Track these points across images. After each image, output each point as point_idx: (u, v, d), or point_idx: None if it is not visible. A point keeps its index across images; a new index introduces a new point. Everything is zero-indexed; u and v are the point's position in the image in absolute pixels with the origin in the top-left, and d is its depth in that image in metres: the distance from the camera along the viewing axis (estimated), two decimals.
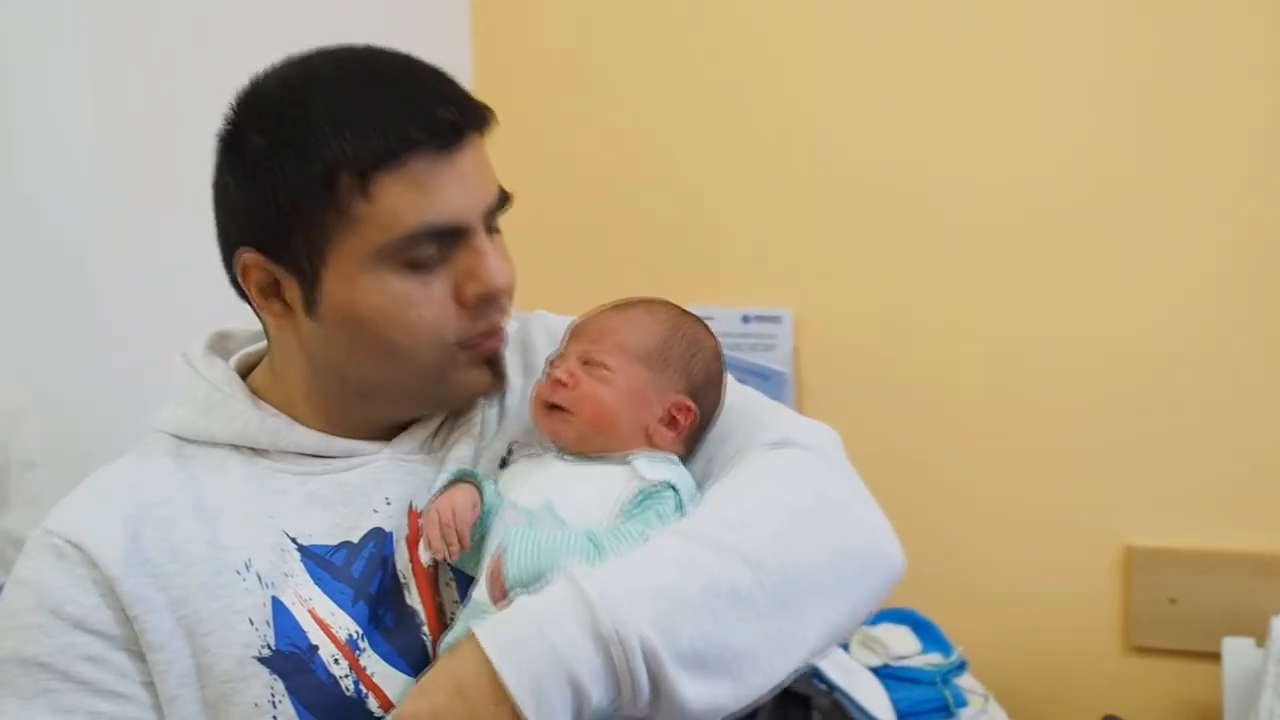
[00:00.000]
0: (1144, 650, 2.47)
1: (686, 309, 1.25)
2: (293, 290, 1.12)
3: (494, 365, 1.18)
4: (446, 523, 1.07)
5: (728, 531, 1.03)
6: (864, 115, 2.55)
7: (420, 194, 1.07)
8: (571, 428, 1.13)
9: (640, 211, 2.67)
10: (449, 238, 1.09)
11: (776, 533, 1.04)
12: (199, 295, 1.83)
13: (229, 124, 1.12)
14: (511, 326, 1.27)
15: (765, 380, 2.51)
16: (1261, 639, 2.24)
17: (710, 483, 1.13)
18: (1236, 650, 2.28)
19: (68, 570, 1.08)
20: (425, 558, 1.11)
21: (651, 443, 1.15)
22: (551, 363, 1.17)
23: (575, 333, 1.20)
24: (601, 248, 2.69)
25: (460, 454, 1.18)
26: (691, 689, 0.96)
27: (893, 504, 1.17)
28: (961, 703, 2.30)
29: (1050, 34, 2.44)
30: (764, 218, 2.61)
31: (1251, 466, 2.39)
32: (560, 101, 2.72)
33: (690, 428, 1.17)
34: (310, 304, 1.11)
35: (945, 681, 2.31)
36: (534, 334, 1.29)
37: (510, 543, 1.06)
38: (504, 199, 1.15)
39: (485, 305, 1.12)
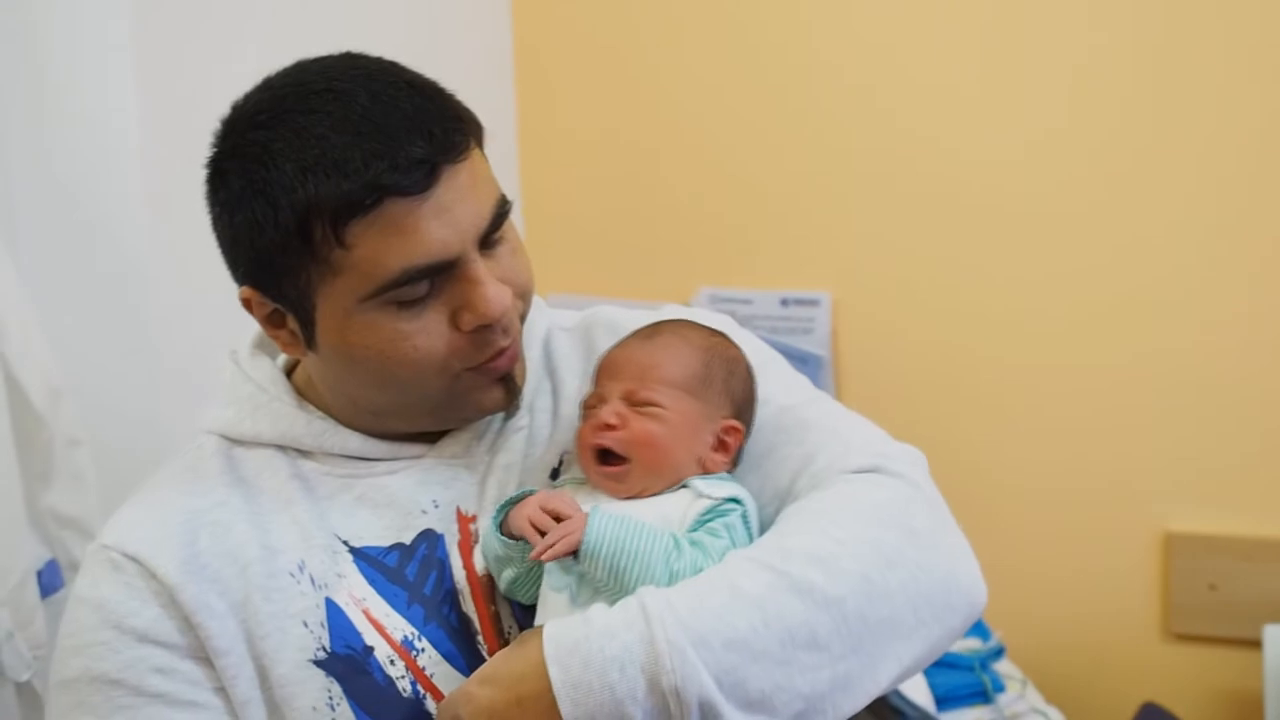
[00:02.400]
0: (1184, 637, 2.45)
1: (699, 320, 1.22)
2: (293, 323, 1.10)
3: (506, 382, 1.13)
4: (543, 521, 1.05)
5: (812, 568, 1.00)
6: (904, 98, 2.53)
7: (399, 237, 1.02)
8: (629, 484, 1.10)
9: (679, 195, 2.66)
10: (438, 272, 1.05)
11: (861, 574, 1.02)
12: (230, 281, 1.85)
13: (211, 153, 1.10)
14: (571, 321, 1.28)
15: (803, 364, 2.51)
16: None
17: (790, 502, 1.11)
18: (1278, 638, 2.27)
19: (126, 583, 1.07)
20: (480, 565, 1.12)
21: (704, 469, 1.13)
22: (589, 405, 1.14)
23: (609, 371, 1.15)
24: (641, 232, 2.69)
25: (507, 460, 1.17)
26: None
27: None
28: (999, 688, 2.30)
29: (1092, 10, 2.41)
30: (803, 201, 2.61)
31: None
32: (600, 84, 2.71)
33: (738, 447, 1.16)
34: (309, 339, 1.10)
35: (983, 666, 2.31)
36: (597, 335, 1.25)
37: (595, 514, 1.04)
38: (501, 212, 1.09)
39: (485, 331, 1.08)
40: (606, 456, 1.10)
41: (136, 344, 1.68)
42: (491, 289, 1.06)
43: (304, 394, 1.19)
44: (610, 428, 1.09)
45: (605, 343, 1.21)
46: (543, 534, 1.03)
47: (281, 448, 1.16)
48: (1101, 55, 2.41)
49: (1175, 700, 2.37)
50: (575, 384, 1.22)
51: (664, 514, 1.08)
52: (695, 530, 1.07)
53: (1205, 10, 2.34)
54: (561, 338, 1.26)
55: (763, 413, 1.19)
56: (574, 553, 1.02)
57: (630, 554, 1.02)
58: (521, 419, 1.19)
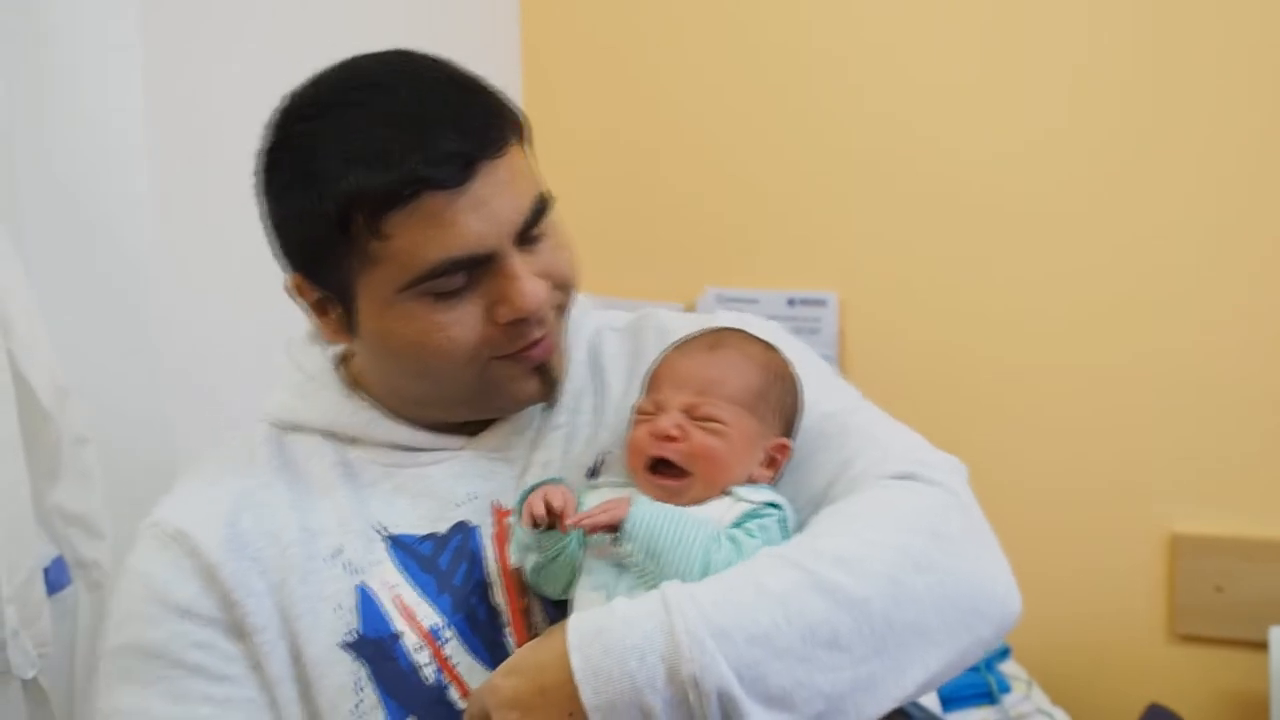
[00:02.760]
0: (1189, 638, 2.45)
1: (752, 330, 1.22)
2: (338, 311, 1.14)
3: (543, 373, 1.16)
4: (542, 500, 1.07)
5: (838, 569, 1.00)
6: (910, 98, 2.53)
7: (436, 229, 1.04)
8: (685, 497, 1.10)
9: (686, 195, 2.66)
10: (475, 265, 1.07)
11: (888, 577, 1.01)
12: (243, 278, 1.85)
13: (263, 143, 1.13)
14: (622, 322, 1.30)
15: None
16: None
17: (826, 506, 1.11)
18: None
19: (171, 560, 1.11)
20: (514, 559, 1.13)
21: (749, 482, 1.13)
22: (645, 412, 1.14)
23: (670, 379, 1.14)
24: (648, 232, 2.69)
25: (546, 457, 1.19)
26: None
27: None
28: (1005, 689, 2.30)
29: (1093, 10, 2.41)
30: (809, 201, 2.61)
31: None
32: (606, 85, 2.72)
33: (784, 463, 1.16)
34: (352, 326, 1.14)
35: (989, 667, 2.31)
36: (647, 339, 1.27)
37: (640, 498, 1.06)
38: (540, 208, 1.11)
39: (519, 324, 1.10)
40: (662, 465, 1.10)
41: (139, 343, 1.68)
42: (527, 284, 1.08)
43: (356, 383, 1.22)
44: (671, 439, 1.09)
45: (654, 347, 1.22)
46: (543, 517, 1.05)
47: (329, 435, 1.20)
48: (1102, 55, 2.41)
49: (1181, 701, 2.36)
50: (621, 386, 1.23)
51: (708, 517, 1.08)
52: (735, 526, 1.07)
53: (1204, 10, 2.34)
54: (611, 338, 1.28)
55: (804, 419, 1.20)
56: (615, 531, 1.04)
57: (670, 537, 1.03)
58: (562, 416, 1.21)
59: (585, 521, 1.04)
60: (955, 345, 2.53)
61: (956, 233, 2.52)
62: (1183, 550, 2.42)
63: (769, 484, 1.14)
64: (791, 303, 2.58)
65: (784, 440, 1.15)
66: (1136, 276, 2.43)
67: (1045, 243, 2.48)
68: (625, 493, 1.11)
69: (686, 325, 1.25)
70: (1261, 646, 2.29)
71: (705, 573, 1.02)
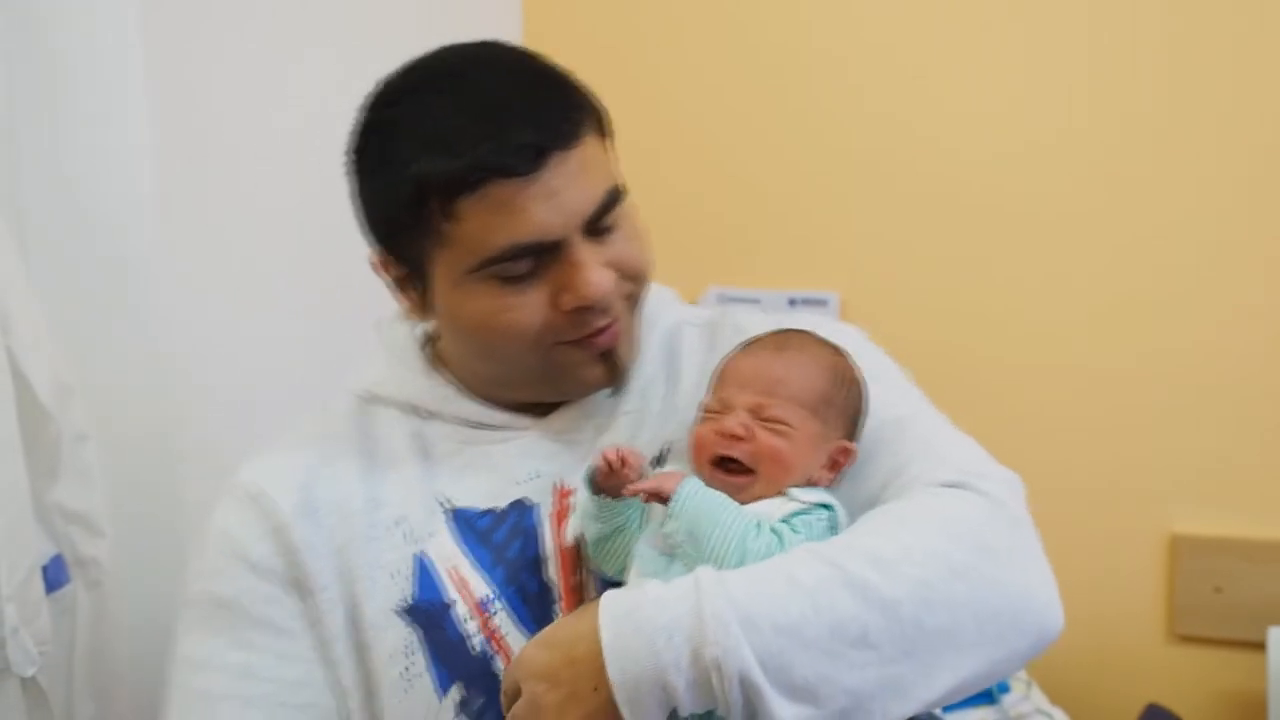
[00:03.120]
0: (1188, 639, 2.45)
1: (823, 332, 1.23)
2: (418, 288, 1.19)
3: (608, 359, 1.18)
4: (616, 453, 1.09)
5: (871, 568, 1.00)
6: (912, 98, 2.53)
7: (504, 216, 1.08)
8: (748, 494, 1.10)
9: (688, 195, 2.66)
10: (542, 252, 1.11)
11: (922, 580, 1.00)
12: (244, 277, 1.85)
13: (354, 126, 1.18)
14: (702, 319, 1.33)
15: None
16: None
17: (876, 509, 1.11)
18: None
19: (247, 518, 1.20)
20: (570, 537, 1.16)
21: (810, 484, 1.14)
22: (711, 410, 1.15)
23: (736, 379, 1.15)
24: (650, 230, 2.67)
25: (612, 441, 1.20)
26: (790, 715, 0.96)
27: None
28: (1004, 688, 2.30)
29: (1095, 9, 2.41)
30: (811, 201, 2.61)
31: None
32: (608, 85, 2.69)
33: (846, 466, 1.17)
34: (427, 304, 1.19)
35: None
36: (723, 336, 1.29)
37: (690, 477, 1.07)
38: (612, 199, 1.14)
39: (583, 311, 1.13)
40: (727, 463, 1.11)
41: (140, 341, 1.68)
42: (593, 273, 1.11)
43: (438, 361, 1.27)
44: (737, 439, 1.10)
45: (729, 344, 1.23)
46: (604, 468, 1.09)
47: (408, 409, 1.25)
48: (1104, 54, 2.41)
49: (1180, 702, 2.37)
50: (693, 379, 1.25)
51: (756, 511, 1.09)
52: (776, 524, 1.08)
53: (1211, 9, 2.34)
54: (690, 333, 1.31)
55: (867, 423, 1.20)
56: (664, 502, 1.06)
57: (711, 521, 1.04)
58: (631, 403, 1.24)
59: (638, 485, 1.07)
60: (956, 346, 2.53)
61: (957, 233, 2.52)
62: (1182, 551, 2.42)
63: (827, 486, 1.15)
64: (793, 303, 2.58)
65: (847, 444, 1.16)
66: (1137, 277, 2.43)
67: (1046, 243, 2.48)
68: None
69: (763, 325, 1.26)
70: (1260, 647, 2.29)
71: (742, 561, 1.03)
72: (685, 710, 0.96)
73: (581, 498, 1.14)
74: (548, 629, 1.06)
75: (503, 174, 1.07)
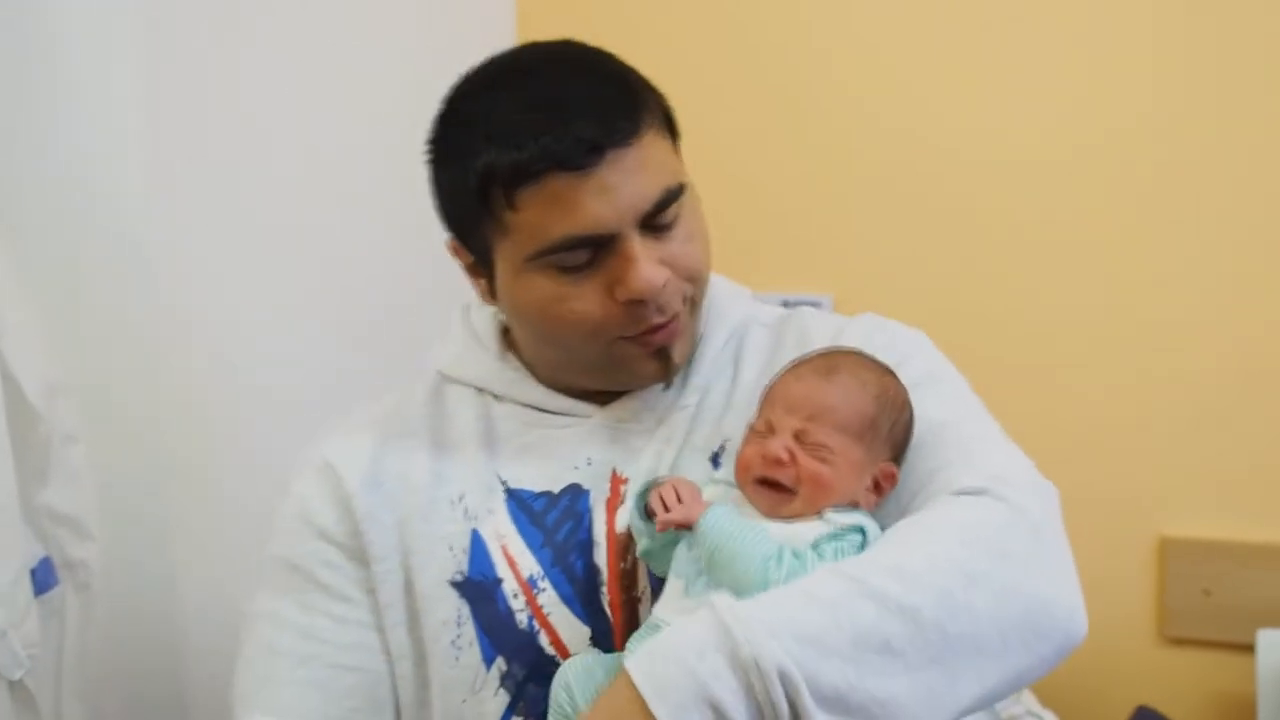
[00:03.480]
0: (1178, 641, 2.46)
1: (870, 356, 1.22)
2: (484, 274, 1.23)
3: (663, 356, 1.21)
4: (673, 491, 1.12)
5: (891, 579, 1.00)
6: (907, 101, 2.53)
7: (560, 208, 1.11)
8: (788, 511, 1.12)
9: None
10: (599, 244, 1.13)
11: (940, 587, 1.00)
12: (237, 277, 1.84)
13: (434, 119, 1.22)
14: (771, 319, 1.36)
15: None
16: None
17: (904, 518, 1.11)
18: (1271, 642, 2.27)
19: (320, 487, 1.27)
20: (621, 524, 1.20)
21: (852, 505, 1.14)
22: (757, 431, 1.16)
23: (783, 403, 1.16)
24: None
25: (669, 433, 1.24)
26: None
27: None
28: None
29: (1095, 16, 2.42)
30: (805, 204, 2.60)
31: None
32: None
33: (889, 489, 1.17)
34: (493, 291, 1.24)
35: None
36: (786, 338, 1.31)
37: (717, 505, 1.09)
38: (669, 198, 1.16)
39: (638, 306, 1.15)
40: (770, 482, 1.12)
41: (131, 342, 1.67)
42: (645, 268, 1.14)
43: (512, 347, 1.32)
44: (780, 463, 1.12)
45: (793, 347, 1.27)
46: (667, 509, 1.11)
47: (480, 391, 1.31)
48: (1099, 57, 2.41)
49: (1169, 704, 2.37)
50: (753, 378, 1.27)
51: (792, 533, 1.09)
52: (811, 547, 1.08)
53: (1197, 13, 2.35)
54: (757, 332, 1.33)
55: (916, 428, 1.20)
56: (690, 530, 1.09)
57: (732, 550, 1.05)
58: (692, 397, 1.27)
59: (662, 518, 1.10)
60: (947, 349, 2.49)
61: (950, 237, 2.52)
62: (1173, 554, 2.43)
63: (871, 508, 1.15)
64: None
65: (891, 468, 1.16)
66: (1126, 282, 2.43)
67: (1037, 248, 2.48)
68: (735, 495, 1.15)
69: (828, 326, 1.31)
70: (1249, 649, 2.30)
71: (764, 588, 1.03)
72: None
73: (633, 517, 1.17)
74: (584, 713, 1.05)
75: (561, 166, 1.10)
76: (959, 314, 2.52)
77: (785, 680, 0.94)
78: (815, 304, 2.53)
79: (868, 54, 2.55)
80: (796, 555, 1.06)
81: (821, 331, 1.30)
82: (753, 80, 2.61)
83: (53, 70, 1.56)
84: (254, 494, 1.87)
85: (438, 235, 1.27)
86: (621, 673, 0.98)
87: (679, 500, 1.11)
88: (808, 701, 0.94)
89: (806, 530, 1.10)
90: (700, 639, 0.96)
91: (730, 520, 1.07)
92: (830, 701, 0.95)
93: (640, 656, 0.98)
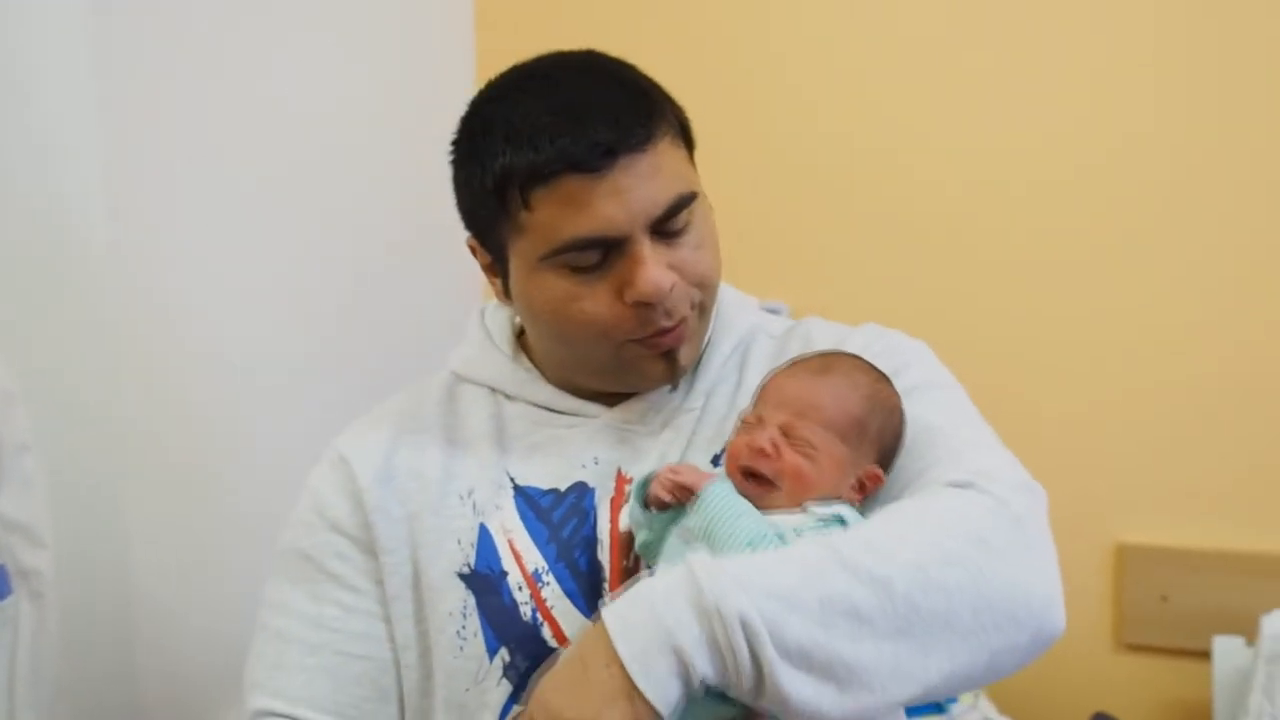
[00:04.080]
0: (1135, 648, 2.48)
1: (867, 361, 1.24)
2: (500, 274, 1.27)
3: (670, 359, 1.24)
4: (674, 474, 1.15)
5: (865, 553, 1.02)
6: (865, 112, 2.55)
7: (572, 210, 1.15)
8: (769, 502, 1.14)
9: None
10: (609, 246, 1.17)
11: (916, 564, 1.02)
12: (197, 277, 1.83)
13: (459, 122, 1.26)
14: (779, 329, 1.38)
15: None
16: (1251, 638, 2.25)
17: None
18: (1227, 649, 2.29)
19: (334, 480, 1.31)
20: (624, 523, 1.22)
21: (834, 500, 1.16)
22: (747, 422, 1.20)
23: (774, 397, 1.20)
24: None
25: (674, 435, 1.28)
26: (794, 682, 0.97)
27: None
28: (952, 699, 2.30)
29: (1057, 34, 2.44)
30: (761, 211, 2.61)
31: (1245, 466, 2.40)
32: None
33: (874, 490, 1.18)
34: (508, 290, 1.27)
35: None
36: (791, 345, 1.34)
37: (722, 480, 1.13)
38: (680, 204, 1.19)
39: (646, 309, 1.18)
40: (754, 473, 1.15)
41: (89, 346, 1.66)
42: (653, 271, 1.17)
43: (525, 348, 1.37)
44: (764, 454, 1.14)
45: (796, 353, 1.29)
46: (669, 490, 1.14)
47: (493, 390, 1.35)
48: (1063, 78, 2.44)
49: (1126, 710, 2.39)
50: (758, 382, 1.28)
51: (775, 524, 1.11)
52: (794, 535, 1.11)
53: (1201, 20, 2.38)
54: (764, 341, 1.36)
55: (909, 431, 1.22)
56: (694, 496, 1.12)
57: (727, 524, 1.09)
58: (698, 400, 1.30)
59: (670, 477, 1.14)
60: None
61: (907, 248, 2.55)
62: (1129, 560, 2.45)
63: (854, 505, 1.16)
64: None
65: (876, 470, 1.18)
66: (1084, 295, 2.46)
67: (993, 260, 2.50)
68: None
69: (832, 335, 1.34)
70: (1205, 656, 2.32)
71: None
72: (699, 672, 0.97)
73: (633, 510, 1.19)
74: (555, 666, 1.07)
75: (575, 168, 1.14)
76: (914, 325, 2.49)
77: (747, 628, 0.96)
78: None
79: (829, 65, 2.58)
80: (780, 536, 1.08)
81: (825, 340, 1.33)
82: (710, 89, 2.59)
83: (6, 74, 1.54)
84: (218, 500, 1.86)
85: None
86: (598, 616, 1.03)
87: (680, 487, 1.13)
88: (770, 651, 0.96)
89: (788, 522, 1.12)
90: (670, 587, 1.00)
91: (730, 498, 1.11)
92: (794, 655, 0.97)
93: (616, 603, 1.03)
